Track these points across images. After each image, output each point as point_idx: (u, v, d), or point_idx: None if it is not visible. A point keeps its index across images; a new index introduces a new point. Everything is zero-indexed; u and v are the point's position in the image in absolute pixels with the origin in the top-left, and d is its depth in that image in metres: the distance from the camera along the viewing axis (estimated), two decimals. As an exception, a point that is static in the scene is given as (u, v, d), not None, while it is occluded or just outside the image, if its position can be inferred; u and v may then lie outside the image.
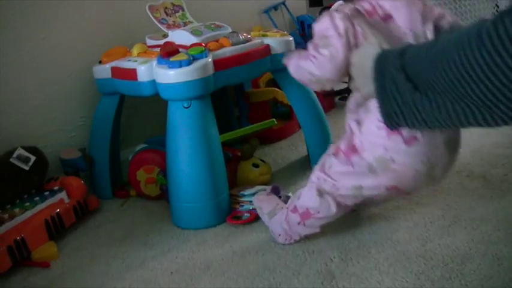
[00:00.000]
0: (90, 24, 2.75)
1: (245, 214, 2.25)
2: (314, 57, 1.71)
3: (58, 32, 2.64)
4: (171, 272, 1.96)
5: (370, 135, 1.67)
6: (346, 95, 3.64)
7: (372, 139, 1.67)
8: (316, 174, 1.89)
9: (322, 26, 1.70)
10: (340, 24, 1.65)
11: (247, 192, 2.32)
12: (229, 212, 2.28)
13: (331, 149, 1.87)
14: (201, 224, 2.23)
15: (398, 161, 1.65)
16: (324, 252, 1.93)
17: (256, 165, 2.51)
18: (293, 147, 2.97)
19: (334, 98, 3.61)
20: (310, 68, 1.74)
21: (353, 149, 1.73)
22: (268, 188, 2.28)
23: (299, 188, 2.37)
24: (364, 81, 1.57)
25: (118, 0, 2.85)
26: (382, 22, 1.66)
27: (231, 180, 2.37)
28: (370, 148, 1.68)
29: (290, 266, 1.88)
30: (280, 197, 2.23)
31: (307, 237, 2.02)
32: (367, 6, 1.69)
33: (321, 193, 1.87)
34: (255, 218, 2.22)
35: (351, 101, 1.79)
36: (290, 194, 2.27)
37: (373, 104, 1.60)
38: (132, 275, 1.98)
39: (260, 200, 2.16)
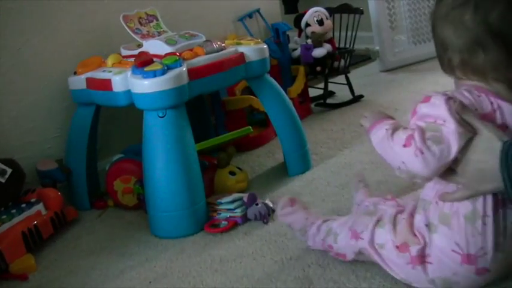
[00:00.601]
0: (65, 35, 2.74)
1: (223, 222, 2.26)
2: (421, 151, 1.43)
3: (33, 42, 2.63)
4: (150, 282, 1.96)
5: (443, 255, 1.53)
6: (322, 101, 3.65)
7: (443, 259, 1.54)
8: (364, 246, 1.72)
9: (437, 112, 1.44)
10: (459, 120, 1.41)
11: (224, 200, 2.32)
12: (207, 220, 2.28)
13: (388, 232, 1.66)
14: (178, 233, 2.23)
15: (462, 284, 1.57)
16: (301, 258, 1.94)
17: (233, 173, 2.52)
18: (270, 155, 2.97)
19: (310, 105, 3.62)
20: (409, 159, 1.46)
21: (422, 260, 1.58)
22: (245, 195, 2.29)
23: (276, 195, 2.39)
24: (482, 178, 1.43)
25: (92, 10, 2.84)
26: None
27: (208, 189, 2.38)
28: (439, 267, 1.56)
29: (268, 273, 1.89)
30: (257, 205, 2.24)
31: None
32: (486, 105, 1.46)
33: (361, 254, 1.77)
34: (233, 225, 2.23)
35: (428, 192, 1.60)
36: (267, 201, 2.29)
37: (457, 222, 1.49)
38: (110, 286, 1.98)
39: (286, 216, 1.98)
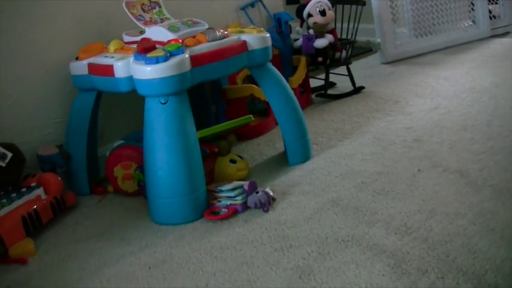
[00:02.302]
0: (67, 21, 2.73)
1: (223, 209, 2.25)
2: None
3: (35, 27, 2.62)
4: (149, 267, 1.96)
5: None
6: (323, 91, 3.65)
7: None
8: None
9: None
10: None
11: (225, 187, 2.32)
12: (207, 207, 2.28)
13: None
14: (178, 220, 2.23)
15: None
16: (301, 246, 1.94)
17: (233, 161, 2.51)
18: (270, 144, 2.97)
19: (311, 95, 3.61)
20: None
21: None
22: (246, 183, 2.29)
23: (276, 184, 2.40)
24: None
25: (95, -4, 2.84)
26: None
27: (208, 176, 2.38)
28: None
29: (268, 261, 1.89)
30: (257, 193, 2.24)
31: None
32: None
33: None
34: (233, 213, 2.23)
35: None
36: (268, 190, 2.29)
37: None
38: (110, 271, 1.98)
39: None
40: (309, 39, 3.50)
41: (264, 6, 3.66)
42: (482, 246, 1.80)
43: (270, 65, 2.61)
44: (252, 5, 3.60)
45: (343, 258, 1.84)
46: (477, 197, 2.13)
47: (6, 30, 2.53)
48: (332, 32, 3.61)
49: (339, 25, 3.72)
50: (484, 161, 2.42)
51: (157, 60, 2.16)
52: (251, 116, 2.74)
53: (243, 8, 3.55)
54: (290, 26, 3.56)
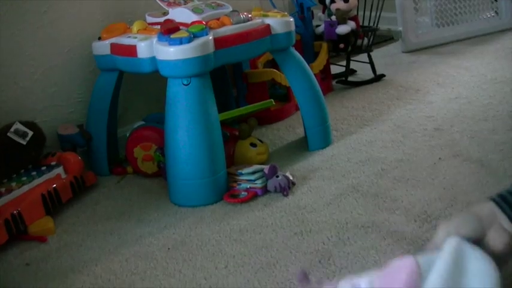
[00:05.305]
0: (90, 0, 2.73)
1: (242, 193, 2.25)
2: None
3: (59, 6, 2.62)
4: (168, 248, 1.97)
5: None
6: (343, 78, 3.63)
7: None
8: None
9: None
10: None
11: (245, 171, 2.32)
12: (227, 190, 2.28)
13: None
14: (198, 202, 2.23)
15: None
16: (321, 231, 1.94)
17: (254, 145, 2.51)
18: (290, 129, 2.96)
19: (332, 82, 3.60)
20: None
21: None
22: (266, 167, 2.28)
23: (296, 169, 2.39)
24: None
25: (118, -23, 2.84)
26: None
27: (228, 159, 2.38)
28: None
29: (288, 244, 1.89)
30: (278, 177, 2.24)
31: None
32: None
33: None
34: (252, 196, 2.23)
35: None
36: (288, 174, 2.28)
37: None
38: (129, 251, 1.99)
39: None
40: (331, 25, 3.49)
41: (287, -9, 3.65)
42: (503, 236, 1.79)
43: (293, 50, 2.60)
44: (275, -11, 3.59)
45: (363, 244, 1.84)
46: (498, 187, 2.09)
47: (30, 8, 2.53)
48: (354, 18, 3.59)
49: (361, 13, 3.71)
50: (505, 152, 2.40)
51: (180, 42, 2.16)
52: (272, 100, 2.73)
53: (266, -8, 3.54)
54: (312, 11, 3.54)
